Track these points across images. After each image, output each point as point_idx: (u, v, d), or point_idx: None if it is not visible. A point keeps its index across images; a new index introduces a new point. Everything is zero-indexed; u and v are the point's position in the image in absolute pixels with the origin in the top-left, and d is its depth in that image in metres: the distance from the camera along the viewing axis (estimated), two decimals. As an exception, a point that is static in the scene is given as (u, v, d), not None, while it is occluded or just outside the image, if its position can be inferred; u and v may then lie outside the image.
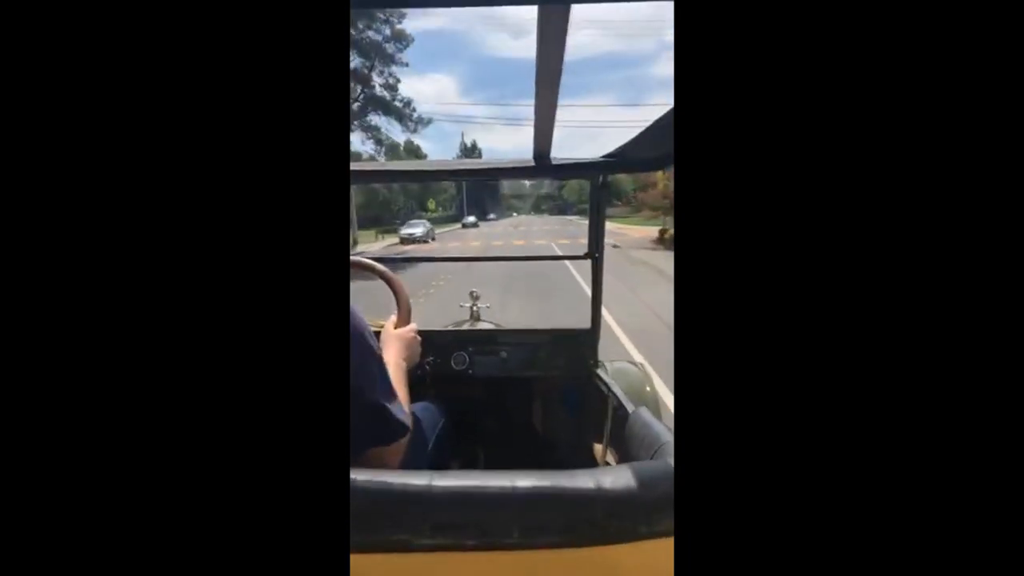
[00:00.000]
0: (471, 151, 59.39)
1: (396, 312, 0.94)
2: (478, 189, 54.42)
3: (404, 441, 0.65)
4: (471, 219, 35.50)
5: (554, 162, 1.03)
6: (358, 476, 0.43)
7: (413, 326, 0.94)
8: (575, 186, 54.21)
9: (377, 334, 0.76)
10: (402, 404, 0.67)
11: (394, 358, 0.83)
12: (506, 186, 76.64)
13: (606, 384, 1.12)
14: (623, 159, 1.03)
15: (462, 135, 49.33)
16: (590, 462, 1.12)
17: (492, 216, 53.75)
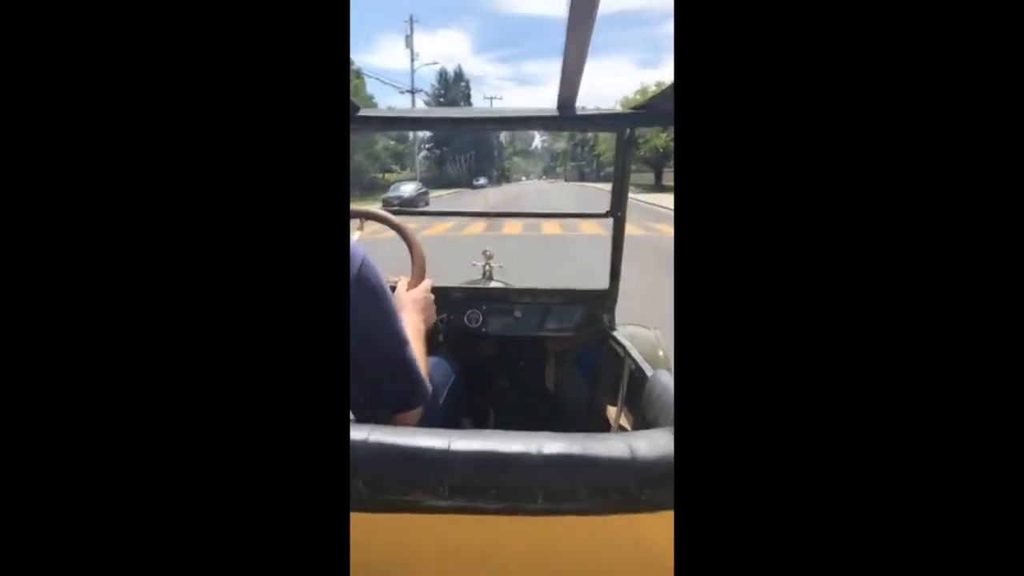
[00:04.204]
0: (456, 80, 40.18)
1: (411, 267, 0.90)
2: (460, 139, 35.76)
3: (423, 408, 0.63)
4: (408, 189, 16.87)
5: (579, 112, 0.97)
6: (371, 434, 0.41)
7: (427, 284, 0.89)
8: (611, 140, 36.01)
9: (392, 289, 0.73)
10: (422, 367, 0.65)
11: (411, 323, 0.79)
12: (505, 138, 56.72)
13: (623, 346, 1.09)
14: (653, 111, 0.96)
15: (408, 36, 27.12)
16: (603, 425, 1.13)
17: (481, 182, 35.48)
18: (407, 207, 14.54)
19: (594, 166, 51.83)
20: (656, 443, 0.42)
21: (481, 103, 54.62)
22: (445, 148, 37.12)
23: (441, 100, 38.49)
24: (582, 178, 55.21)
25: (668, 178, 27.82)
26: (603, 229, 7.58)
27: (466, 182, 34.65)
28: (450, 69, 40.06)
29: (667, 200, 15.68)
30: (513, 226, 9.68)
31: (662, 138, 22.64)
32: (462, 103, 39.57)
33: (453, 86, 39.41)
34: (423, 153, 36.40)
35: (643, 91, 25.99)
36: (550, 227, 9.54)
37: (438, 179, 34.16)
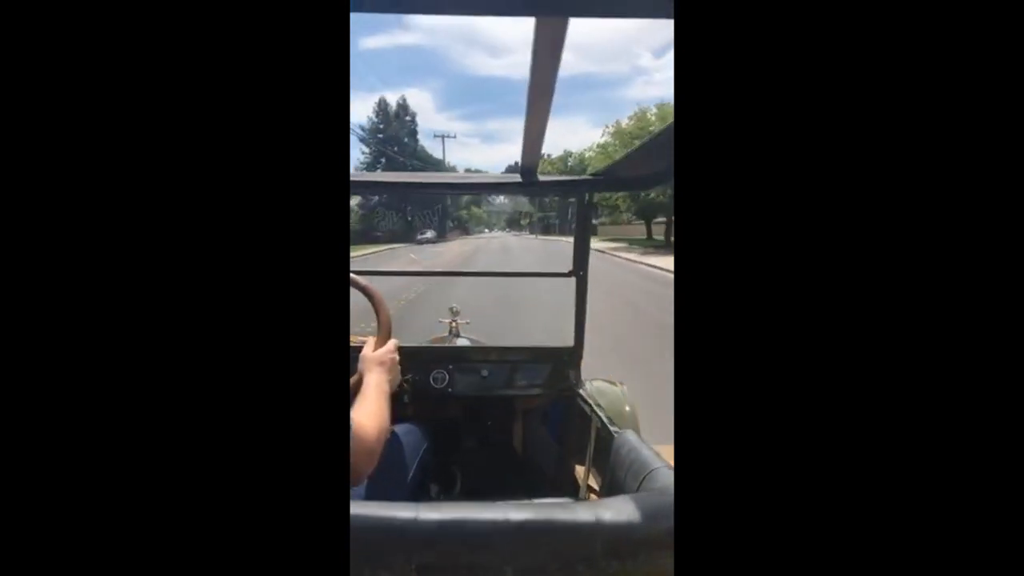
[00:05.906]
0: (400, 114, 33.30)
1: (377, 328, 0.91)
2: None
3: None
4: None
5: (541, 178, 1.03)
6: None
7: (392, 344, 0.91)
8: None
9: (357, 349, 0.82)
10: (382, 427, 0.69)
11: (375, 384, 0.81)
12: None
13: (589, 404, 1.07)
14: (612, 177, 1.02)
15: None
16: (572, 485, 1.13)
17: (428, 235, 28.03)
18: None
19: (568, 216, 45.52)
20: (620, 511, 0.41)
21: (431, 142, 48.06)
22: (382, 194, 29.67)
23: (380, 135, 31.43)
24: (546, 231, 48.74)
25: (659, 231, 21.28)
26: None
27: (409, 236, 27.14)
28: (392, 100, 33.33)
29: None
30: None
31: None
32: (407, 139, 32.61)
33: (395, 120, 32.51)
34: (356, 199, 28.85)
35: (635, 117, 21.10)
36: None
37: (369, 233, 26.48)
